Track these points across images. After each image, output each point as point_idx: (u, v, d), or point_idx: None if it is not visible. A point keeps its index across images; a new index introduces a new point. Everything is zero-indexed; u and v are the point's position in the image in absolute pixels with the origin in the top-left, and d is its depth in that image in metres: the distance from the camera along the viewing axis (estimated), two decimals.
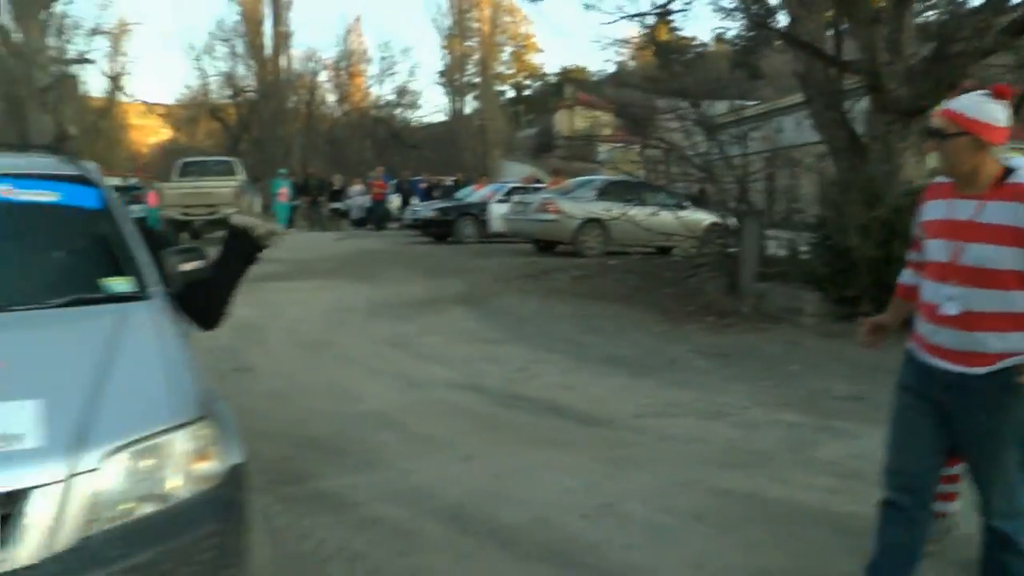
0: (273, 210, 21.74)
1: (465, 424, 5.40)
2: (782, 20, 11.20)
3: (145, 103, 29.27)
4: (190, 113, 44.50)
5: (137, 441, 2.15)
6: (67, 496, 2.01)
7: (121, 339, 2.65)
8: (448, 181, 26.08)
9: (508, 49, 61.29)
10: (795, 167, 11.63)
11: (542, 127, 79.90)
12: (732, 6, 12.15)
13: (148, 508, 2.13)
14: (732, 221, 10.83)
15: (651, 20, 12.30)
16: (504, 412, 5.72)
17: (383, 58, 46.99)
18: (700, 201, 14.52)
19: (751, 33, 19.20)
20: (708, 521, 3.87)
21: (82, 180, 3.48)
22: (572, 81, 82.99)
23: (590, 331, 8.64)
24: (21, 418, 2.09)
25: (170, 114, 43.17)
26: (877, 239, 8.50)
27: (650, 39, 14.32)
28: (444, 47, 53.76)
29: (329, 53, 52.85)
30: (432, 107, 79.76)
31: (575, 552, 3.55)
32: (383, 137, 44.72)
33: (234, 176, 20.18)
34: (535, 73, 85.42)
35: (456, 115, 51.99)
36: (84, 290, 3.02)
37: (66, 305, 2.88)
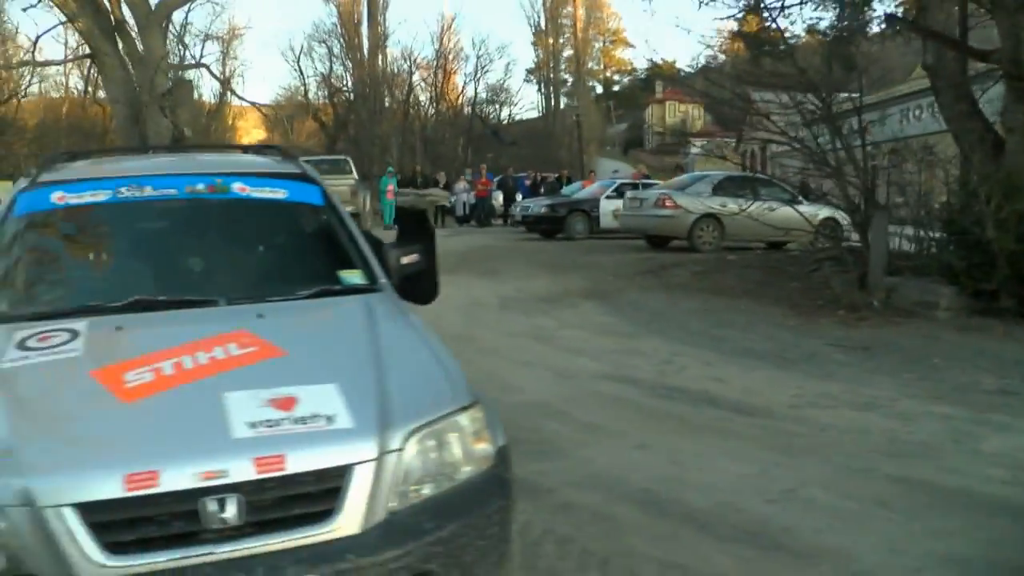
0: (381, 206, 22.39)
1: (628, 413, 5.63)
2: (879, 9, 11.07)
3: (255, 105, 30.13)
4: (288, 113, 45.80)
5: (430, 423, 2.37)
6: (379, 473, 2.21)
7: (379, 327, 2.92)
8: (551, 177, 26.29)
9: (597, 45, 61.25)
10: (921, 159, 11.31)
11: (632, 122, 79.61)
12: None
13: (443, 485, 2.35)
14: (854, 216, 10.75)
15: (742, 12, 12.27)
16: (662, 402, 5.92)
17: (479, 56, 47.15)
18: (816, 195, 14.40)
19: (845, 23, 18.85)
20: (893, 508, 3.99)
21: (303, 177, 3.73)
22: (662, 76, 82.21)
23: (722, 325, 8.75)
24: (329, 400, 2.31)
25: (272, 115, 44.62)
26: (1017, 232, 8.39)
27: (739, 32, 14.25)
28: (534, 43, 54.15)
29: (424, 52, 53.80)
30: (525, 104, 79.53)
31: (771, 535, 3.72)
32: (479, 134, 45.27)
33: (347, 174, 20.89)
34: (624, 68, 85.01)
35: (550, 112, 52.31)
36: (325, 282, 3.28)
37: (313, 296, 3.15)
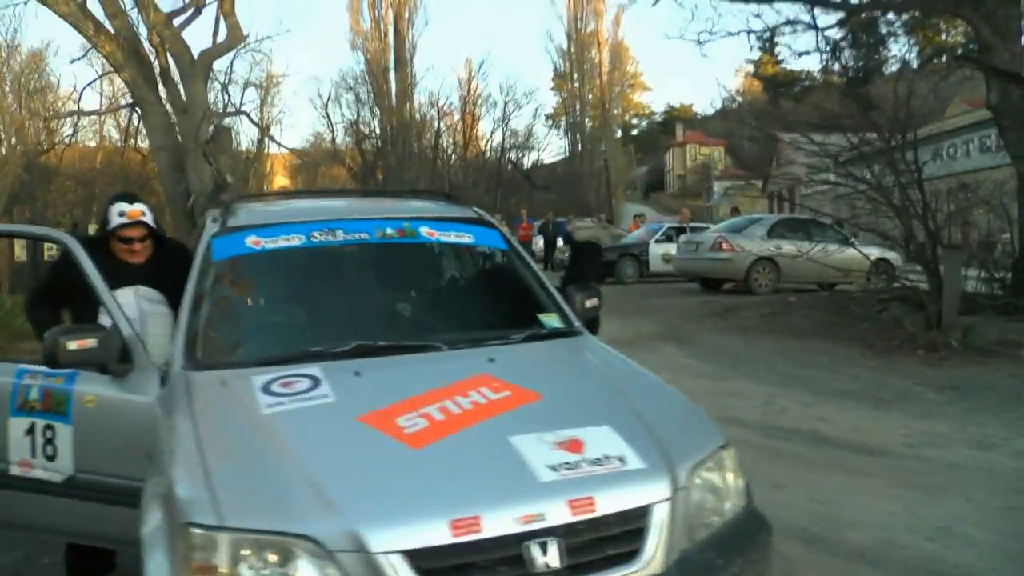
0: None
1: (750, 454, 5.62)
2: (893, 49, 11.22)
3: (294, 151, 30.63)
4: (315, 159, 46.34)
5: (704, 460, 2.45)
6: (674, 511, 2.26)
7: (611, 369, 3.02)
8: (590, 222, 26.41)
9: (617, 89, 61.86)
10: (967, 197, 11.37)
11: (652, 166, 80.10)
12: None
13: (718, 522, 2.41)
14: (921, 255, 10.78)
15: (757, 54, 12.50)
16: (778, 443, 5.94)
17: (506, 102, 47.76)
18: (861, 236, 14.48)
19: (861, 63, 19.05)
20: None
21: (482, 222, 3.80)
22: (680, 119, 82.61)
23: (806, 366, 8.78)
24: (611, 442, 2.35)
25: (304, 162, 45.25)
26: None
27: (756, 73, 14.45)
28: (553, 89, 54.80)
29: (452, 98, 54.44)
30: (553, 149, 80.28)
31: (947, 572, 3.75)
32: (507, 179, 45.72)
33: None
34: (643, 112, 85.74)
35: (576, 155, 52.81)
36: (528, 325, 3.34)
37: (526, 339, 3.20)
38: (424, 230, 3.57)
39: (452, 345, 3.06)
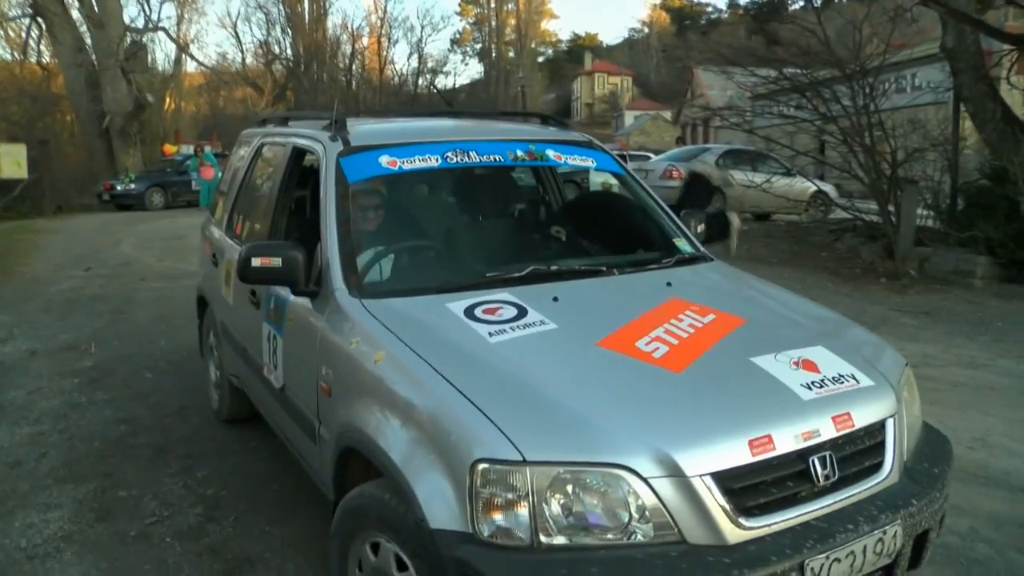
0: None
1: None
2: None
3: (213, 70, 29.31)
4: (226, 80, 44.52)
5: (903, 377, 2.63)
6: (899, 425, 2.44)
7: (769, 293, 3.21)
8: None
9: (530, 16, 61.28)
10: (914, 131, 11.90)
11: (559, 93, 79.99)
12: None
13: (915, 432, 2.62)
14: (876, 187, 11.30)
15: None
16: None
17: (423, 26, 46.71)
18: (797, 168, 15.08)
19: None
20: None
21: (594, 146, 3.81)
22: (588, 48, 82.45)
23: None
24: (834, 361, 2.49)
25: (209, 84, 43.41)
26: None
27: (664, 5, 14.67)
28: (459, 13, 53.88)
29: (364, 21, 52.87)
30: (466, 74, 79.09)
31: (999, 478, 4.16)
32: (423, 104, 45.01)
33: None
34: (550, 40, 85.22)
35: (492, 81, 52.36)
36: (669, 249, 3.46)
37: (680, 263, 3.32)
38: (551, 153, 3.57)
39: (619, 269, 3.13)
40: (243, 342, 3.88)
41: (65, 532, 3.45)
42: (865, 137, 11.06)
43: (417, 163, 3.25)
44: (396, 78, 47.05)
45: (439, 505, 2.04)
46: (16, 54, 29.33)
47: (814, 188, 16.00)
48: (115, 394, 5.27)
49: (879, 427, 2.39)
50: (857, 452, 2.31)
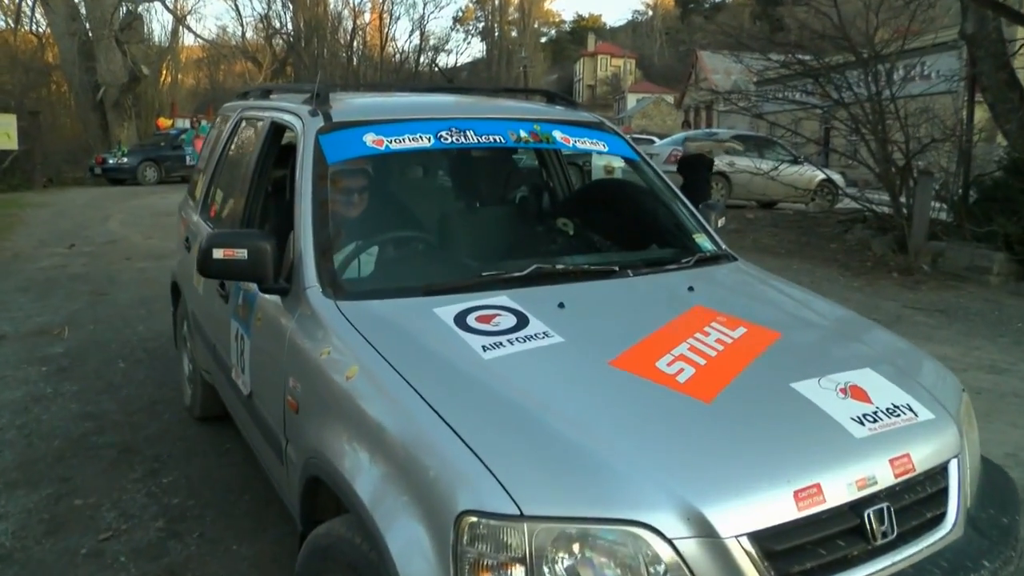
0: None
1: None
2: None
3: (212, 43, 28.80)
4: (222, 54, 43.99)
5: (962, 405, 2.27)
6: (962, 466, 2.06)
7: (802, 300, 2.85)
8: None
9: None
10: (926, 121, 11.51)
11: (561, 74, 79.41)
12: None
13: (976, 471, 2.22)
14: (887, 178, 10.96)
15: None
16: None
17: (425, 3, 46.13)
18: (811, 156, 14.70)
19: None
20: None
21: (605, 127, 3.42)
22: (591, 29, 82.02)
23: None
24: (887, 388, 2.12)
25: (209, 57, 42.89)
26: None
27: None
28: None
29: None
30: (468, 52, 78.53)
31: None
32: (424, 81, 44.51)
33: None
34: (553, 20, 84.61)
35: (494, 60, 51.79)
36: (686, 246, 3.08)
37: (698, 263, 2.93)
38: (558, 135, 3.16)
39: (634, 269, 2.75)
40: (213, 338, 3.53)
41: (5, 550, 3.09)
42: (878, 125, 10.72)
43: (407, 143, 2.85)
44: (397, 55, 46.42)
45: (416, 561, 1.68)
46: (9, 21, 28.87)
47: (821, 176, 15.69)
48: (84, 385, 4.92)
49: (941, 470, 2.01)
50: (917, 501, 1.92)
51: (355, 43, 45.16)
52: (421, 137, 2.88)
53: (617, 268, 2.73)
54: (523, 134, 3.09)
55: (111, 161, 21.10)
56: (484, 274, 2.59)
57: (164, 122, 26.16)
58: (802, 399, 2.01)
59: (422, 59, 46.27)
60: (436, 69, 44.93)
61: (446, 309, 2.28)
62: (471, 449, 1.70)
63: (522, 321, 2.25)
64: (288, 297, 2.53)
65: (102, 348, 5.70)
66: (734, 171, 14.58)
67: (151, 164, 21.31)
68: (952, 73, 12.51)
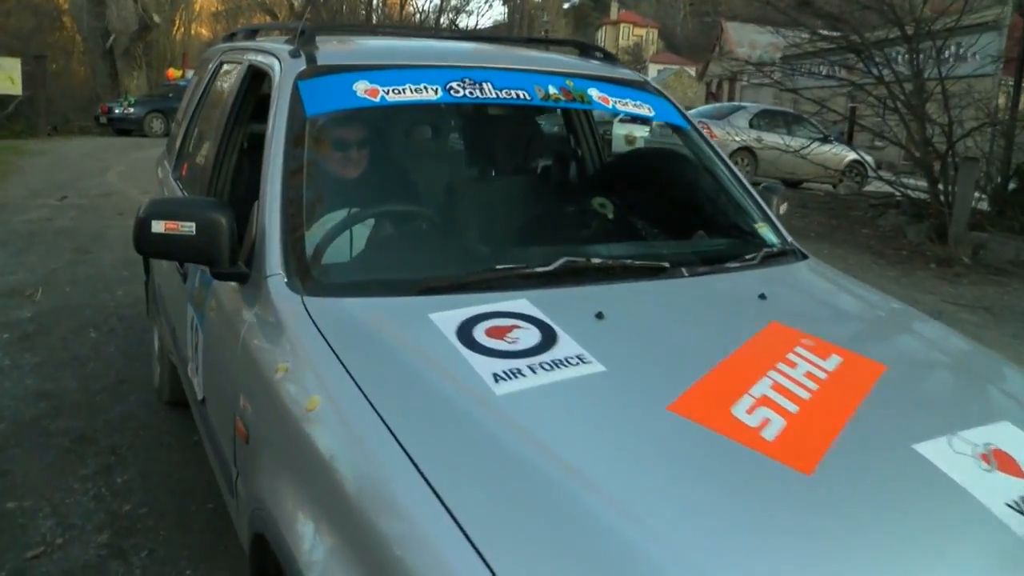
0: None
1: None
2: None
3: None
4: (240, 6, 43.21)
5: None
6: None
7: (896, 314, 2.32)
8: None
9: None
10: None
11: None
12: None
13: None
14: (927, 161, 10.35)
15: None
16: None
17: None
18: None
19: None
20: None
21: (649, 88, 2.82)
22: None
23: None
24: None
25: (228, 9, 42.09)
26: None
27: None
28: None
29: None
30: (489, 15, 77.53)
31: None
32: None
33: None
34: None
35: (515, 23, 50.73)
36: (745, 238, 2.51)
37: (763, 261, 2.34)
38: (595, 94, 2.57)
39: (688, 267, 2.19)
40: (173, 320, 3.01)
41: None
42: (921, 106, 10.09)
43: (408, 94, 2.28)
44: (418, 15, 45.43)
45: None
46: None
47: (852, 157, 15.05)
48: (46, 357, 4.41)
49: None
50: None
51: (375, 0, 44.13)
52: (426, 88, 2.31)
53: (669, 265, 2.17)
54: (552, 90, 2.49)
55: (117, 111, 20.53)
56: (498, 267, 2.04)
57: (174, 73, 25.52)
58: (934, 472, 1.44)
59: (442, 20, 45.39)
60: (455, 30, 43.89)
61: (447, 316, 1.73)
62: (465, 535, 1.15)
63: (548, 337, 1.68)
64: (247, 285, 2.00)
65: (75, 313, 5.19)
66: (762, 147, 13.91)
67: (158, 115, 20.71)
68: (996, 54, 11.86)
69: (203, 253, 1.94)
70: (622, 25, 75.97)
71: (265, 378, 1.71)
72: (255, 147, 2.97)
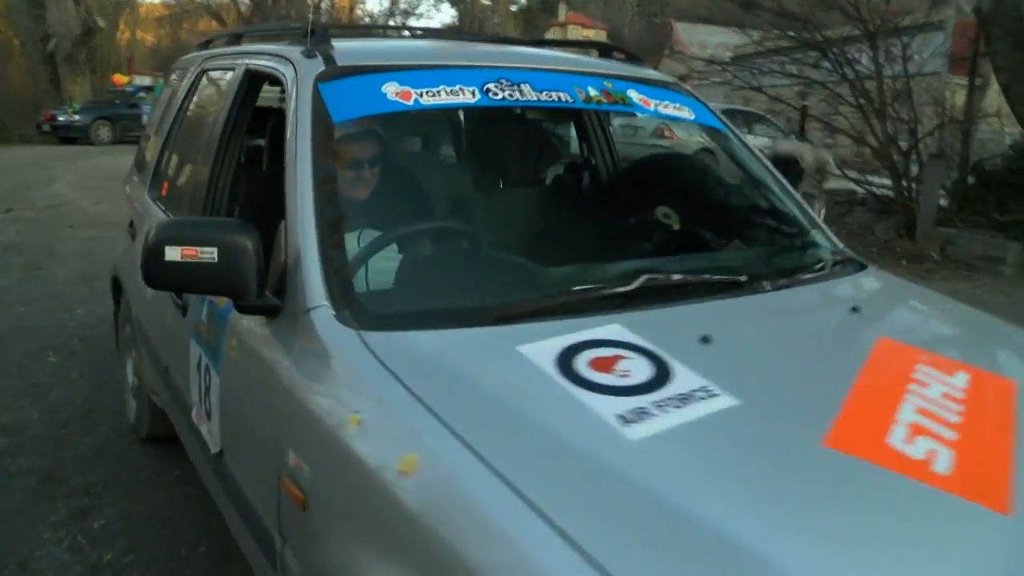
0: None
1: None
2: None
3: None
4: (184, 10, 42.35)
5: None
6: None
7: (982, 321, 2.20)
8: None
9: None
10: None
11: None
12: None
13: None
14: (890, 159, 10.39)
15: None
16: None
17: None
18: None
19: None
20: None
21: (684, 90, 2.67)
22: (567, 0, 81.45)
23: None
24: None
25: (172, 15, 41.18)
26: None
27: None
28: None
29: None
30: (438, 19, 77.41)
31: None
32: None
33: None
34: None
35: (466, 26, 50.52)
36: (808, 247, 2.35)
37: (834, 273, 2.19)
38: (635, 96, 2.40)
39: (771, 281, 2.01)
40: (164, 357, 2.71)
41: None
42: (886, 104, 10.14)
43: (444, 97, 2.07)
44: (367, 19, 45.03)
45: None
46: None
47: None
48: (2, 385, 4.09)
49: None
50: None
51: (323, 3, 43.55)
52: (463, 90, 2.10)
53: (746, 279, 1.98)
54: (593, 92, 2.31)
55: (61, 118, 19.87)
56: (576, 288, 1.80)
57: (120, 78, 24.82)
58: None
59: (391, 23, 45.00)
60: (407, 34, 43.60)
61: (538, 348, 1.50)
62: None
63: (662, 368, 1.49)
64: (280, 318, 1.74)
65: (31, 336, 4.86)
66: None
67: (105, 123, 20.10)
68: (944, 53, 12.03)
69: (227, 283, 1.68)
70: (570, 27, 76.02)
71: (330, 432, 1.44)
72: (255, 163, 2.74)
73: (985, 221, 9.21)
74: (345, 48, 2.19)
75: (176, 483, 3.18)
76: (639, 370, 1.48)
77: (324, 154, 1.88)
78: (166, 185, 3.07)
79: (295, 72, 2.10)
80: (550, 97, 2.21)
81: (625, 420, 1.32)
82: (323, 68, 2.06)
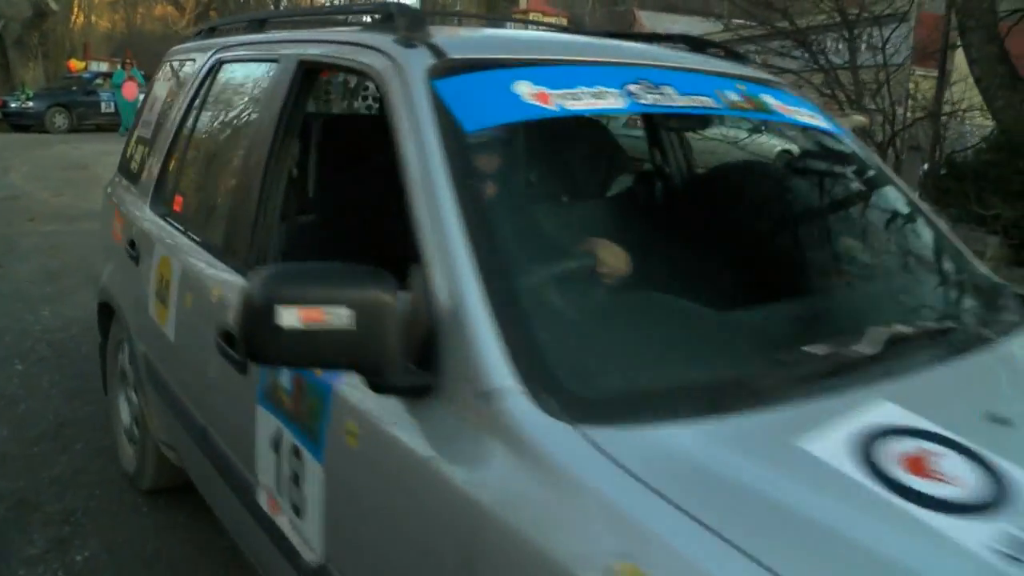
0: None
1: None
2: None
3: None
4: None
5: None
6: None
7: None
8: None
9: None
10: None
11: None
12: None
13: None
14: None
15: None
16: None
17: None
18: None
19: None
20: None
21: (794, 92, 2.36)
22: None
23: None
24: None
25: None
26: None
27: None
28: None
29: None
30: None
31: None
32: None
33: None
34: None
35: (424, 8, 50.20)
36: (983, 288, 1.96)
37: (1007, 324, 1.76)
38: (771, 101, 2.05)
39: (996, 329, 1.67)
40: (202, 417, 2.24)
41: None
42: (862, 95, 10.12)
43: (587, 101, 1.68)
44: (327, 3, 44.33)
45: None
46: None
47: (781, 146, 15.14)
48: None
49: None
50: None
51: None
52: (606, 93, 1.72)
53: (962, 327, 1.68)
54: (733, 96, 1.96)
55: (14, 105, 19.17)
56: (807, 349, 1.42)
57: (76, 64, 24.08)
58: None
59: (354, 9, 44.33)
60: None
61: (825, 444, 1.16)
62: None
63: (988, 471, 1.15)
64: (431, 400, 1.30)
65: None
66: (701, 138, 13.83)
67: (61, 110, 19.43)
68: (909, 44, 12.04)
69: (366, 356, 1.25)
70: (531, 14, 75.74)
71: None
72: (304, 177, 2.49)
73: (963, 215, 9.21)
74: (449, 37, 1.82)
75: (164, 508, 2.97)
76: (960, 472, 1.14)
77: (465, 175, 1.46)
78: (180, 200, 2.69)
79: (394, 66, 1.68)
80: (695, 103, 1.87)
81: (1006, 556, 0.99)
82: (434, 61, 1.66)
